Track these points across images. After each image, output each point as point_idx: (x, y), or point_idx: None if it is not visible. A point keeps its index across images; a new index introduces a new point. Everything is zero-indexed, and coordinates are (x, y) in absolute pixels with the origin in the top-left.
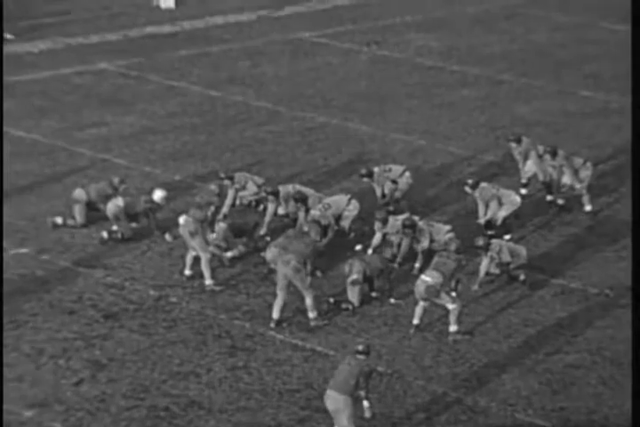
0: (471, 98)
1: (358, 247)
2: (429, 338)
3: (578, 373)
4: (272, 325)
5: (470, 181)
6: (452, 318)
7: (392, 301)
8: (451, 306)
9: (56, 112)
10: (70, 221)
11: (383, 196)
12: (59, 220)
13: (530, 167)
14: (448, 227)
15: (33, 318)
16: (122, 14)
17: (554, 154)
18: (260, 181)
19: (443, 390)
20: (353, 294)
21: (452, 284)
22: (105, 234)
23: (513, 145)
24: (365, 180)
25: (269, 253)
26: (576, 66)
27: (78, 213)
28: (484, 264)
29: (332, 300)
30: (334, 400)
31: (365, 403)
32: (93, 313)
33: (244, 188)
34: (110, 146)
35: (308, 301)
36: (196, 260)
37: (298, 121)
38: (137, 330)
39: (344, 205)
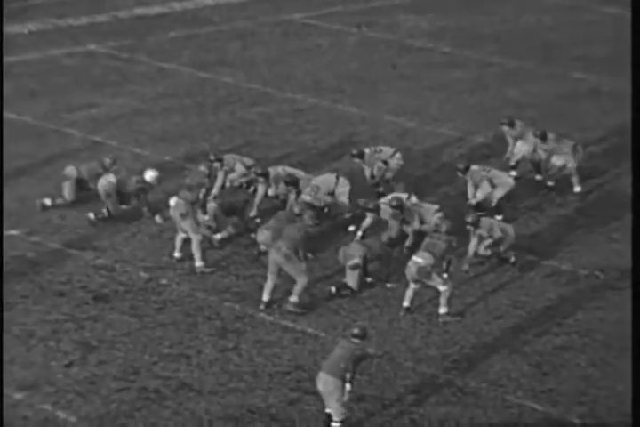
0: (461, 80)
1: (351, 228)
2: (419, 320)
3: (567, 354)
4: (262, 307)
5: (461, 166)
6: (443, 299)
7: (388, 285)
8: (442, 288)
9: (46, 94)
10: (59, 200)
11: (372, 177)
12: (47, 201)
13: (519, 149)
14: (436, 206)
15: (23, 300)
16: None
17: (544, 137)
18: (249, 162)
19: (432, 372)
20: (352, 279)
21: (444, 265)
22: (92, 215)
23: (505, 128)
24: (356, 160)
25: (261, 236)
26: (566, 48)
27: (67, 190)
28: (473, 243)
29: (333, 289)
30: (325, 382)
31: (347, 386)
32: (83, 295)
33: (232, 170)
34: (100, 127)
35: (299, 286)
36: (186, 242)
37: (288, 103)
38: (127, 312)
39: (333, 184)
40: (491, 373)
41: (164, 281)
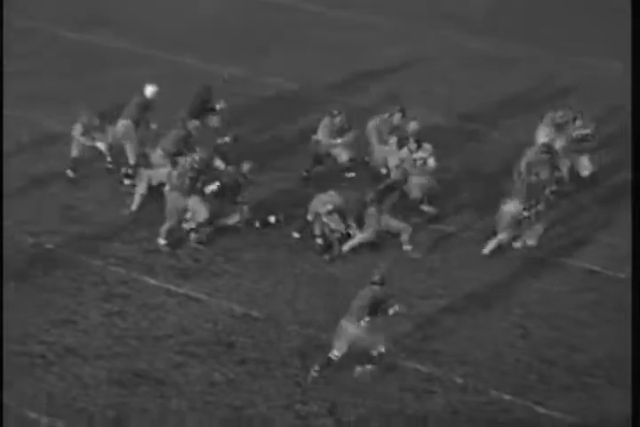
0: (341, 41)
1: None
2: (303, 281)
3: (452, 317)
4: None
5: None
6: (535, 233)
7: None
8: (537, 226)
9: None
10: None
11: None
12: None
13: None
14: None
15: None
16: None
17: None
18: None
19: (317, 335)
20: (334, 223)
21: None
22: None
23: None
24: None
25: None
26: (433, 5)
27: None
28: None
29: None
30: (346, 330)
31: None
32: None
33: None
34: None
35: (405, 236)
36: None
37: (167, 64)
38: (12, 277)
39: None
40: None
41: (49, 246)
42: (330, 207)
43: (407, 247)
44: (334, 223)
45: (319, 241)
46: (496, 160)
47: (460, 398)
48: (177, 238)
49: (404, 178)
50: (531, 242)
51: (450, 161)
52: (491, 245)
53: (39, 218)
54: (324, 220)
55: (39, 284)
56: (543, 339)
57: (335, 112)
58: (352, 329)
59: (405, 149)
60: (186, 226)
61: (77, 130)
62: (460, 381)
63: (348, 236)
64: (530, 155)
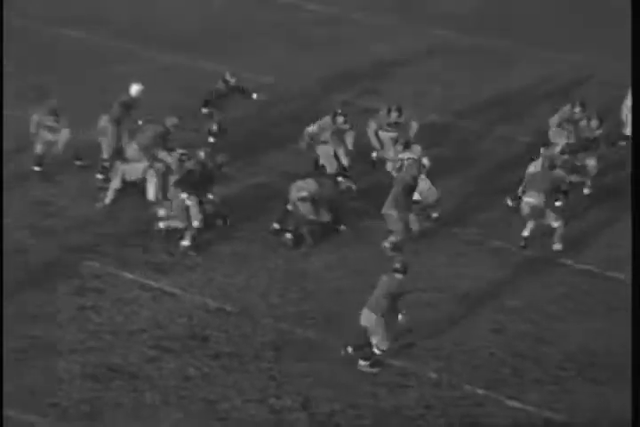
0: (327, 36)
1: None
2: (276, 277)
3: (427, 310)
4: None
5: None
6: (557, 236)
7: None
8: (555, 224)
9: None
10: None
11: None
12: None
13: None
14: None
15: None
16: None
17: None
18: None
19: (290, 329)
20: (306, 210)
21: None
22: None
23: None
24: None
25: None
26: (424, 2)
27: None
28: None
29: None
30: (366, 318)
31: (400, 317)
32: None
33: None
34: None
35: (393, 238)
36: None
37: (151, 61)
38: None
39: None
40: (348, 329)
41: (23, 240)
42: (304, 194)
43: (386, 245)
44: (306, 211)
45: (289, 236)
46: (491, 158)
47: (433, 392)
48: (151, 232)
49: (414, 178)
50: (557, 247)
51: (444, 158)
52: (526, 231)
53: (13, 213)
54: (299, 207)
55: (13, 278)
56: (516, 333)
57: (338, 112)
58: (374, 320)
59: (393, 149)
60: (162, 225)
61: (33, 126)
62: (433, 375)
63: (322, 225)
64: (550, 152)
